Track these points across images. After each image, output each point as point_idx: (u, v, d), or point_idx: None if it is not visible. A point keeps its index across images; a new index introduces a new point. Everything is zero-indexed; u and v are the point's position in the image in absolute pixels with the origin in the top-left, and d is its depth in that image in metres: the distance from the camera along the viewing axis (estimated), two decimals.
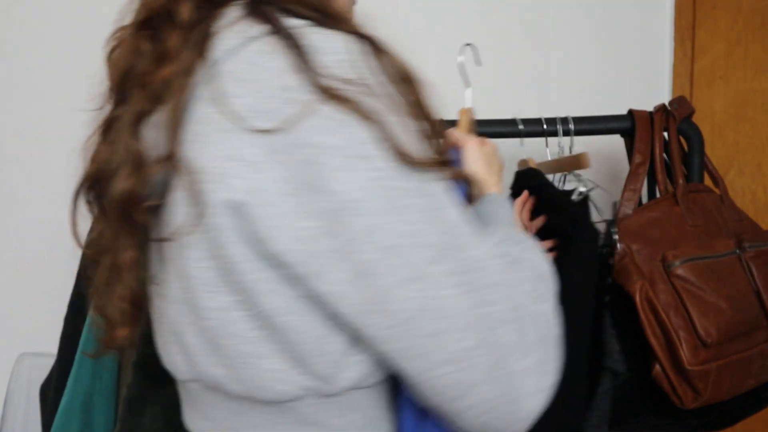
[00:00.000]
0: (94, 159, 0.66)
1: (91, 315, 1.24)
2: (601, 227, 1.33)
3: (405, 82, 0.64)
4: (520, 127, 1.44)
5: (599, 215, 1.41)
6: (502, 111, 1.61)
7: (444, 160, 0.63)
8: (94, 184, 0.67)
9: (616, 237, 1.35)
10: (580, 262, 1.23)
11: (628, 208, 1.34)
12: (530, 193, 1.31)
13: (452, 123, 1.48)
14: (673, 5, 1.81)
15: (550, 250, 1.27)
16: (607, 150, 1.77)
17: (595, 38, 1.83)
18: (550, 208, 1.28)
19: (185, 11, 0.61)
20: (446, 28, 1.89)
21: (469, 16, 1.88)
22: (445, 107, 1.79)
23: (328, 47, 0.58)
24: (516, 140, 1.47)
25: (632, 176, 1.38)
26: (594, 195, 1.40)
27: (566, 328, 1.22)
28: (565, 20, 1.84)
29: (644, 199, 1.45)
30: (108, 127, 0.66)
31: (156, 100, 0.61)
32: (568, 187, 1.40)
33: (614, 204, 1.41)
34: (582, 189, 1.34)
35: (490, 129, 1.46)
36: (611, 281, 1.33)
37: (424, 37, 1.91)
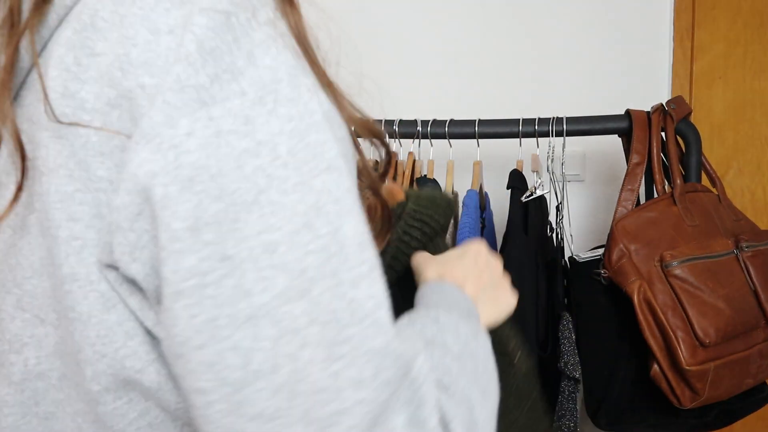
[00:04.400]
0: None
1: None
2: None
3: None
4: (519, 127, 1.44)
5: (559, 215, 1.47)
6: (502, 111, 1.62)
7: None
8: None
9: (562, 238, 1.45)
10: (505, 266, 1.32)
11: (625, 209, 1.34)
12: (515, 193, 1.42)
13: (441, 124, 1.48)
14: (672, 6, 1.81)
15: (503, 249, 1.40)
16: (605, 150, 1.77)
17: (595, 38, 1.83)
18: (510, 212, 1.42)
19: None
20: (446, 27, 1.89)
21: (470, 16, 1.88)
22: (445, 106, 1.80)
23: None
24: (515, 140, 1.48)
25: (630, 176, 1.38)
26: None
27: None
28: (565, 20, 1.84)
29: (642, 200, 1.45)
30: None
31: None
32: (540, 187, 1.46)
33: (557, 207, 1.47)
34: (538, 192, 1.41)
35: (489, 129, 1.47)
36: (566, 284, 1.39)
37: (424, 37, 1.91)
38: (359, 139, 0.56)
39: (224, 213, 0.41)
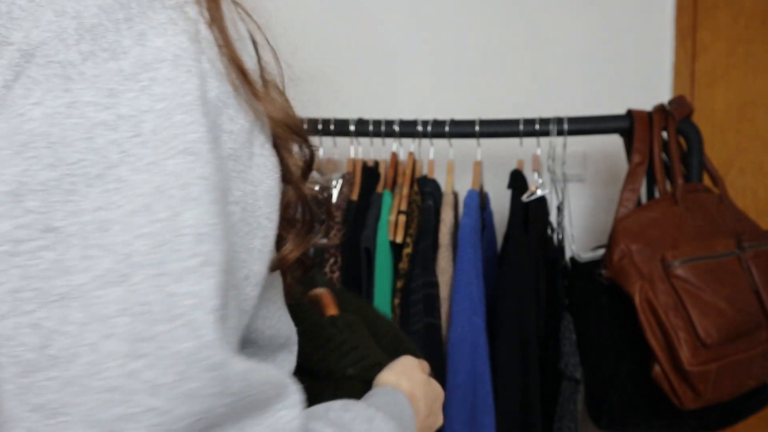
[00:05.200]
0: None
1: None
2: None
3: None
4: (520, 127, 1.44)
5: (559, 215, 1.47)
6: (503, 111, 1.61)
7: None
8: None
9: (561, 237, 1.46)
10: (506, 266, 1.38)
11: (627, 208, 1.34)
12: (515, 193, 1.43)
13: (441, 124, 1.48)
14: (674, 5, 1.80)
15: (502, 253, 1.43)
16: (607, 150, 1.76)
17: (597, 38, 1.82)
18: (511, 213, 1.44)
19: None
20: (447, 27, 1.89)
21: (471, 16, 1.88)
22: (445, 106, 1.79)
23: None
24: (516, 140, 1.47)
25: (631, 176, 1.37)
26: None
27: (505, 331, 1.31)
28: (566, 20, 1.83)
29: (643, 199, 1.44)
30: None
31: None
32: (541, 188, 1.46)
33: (558, 207, 1.48)
34: (539, 192, 1.42)
35: (490, 129, 1.46)
36: (567, 284, 1.38)
37: (424, 37, 1.90)
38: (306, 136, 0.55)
39: (57, 182, 0.38)
